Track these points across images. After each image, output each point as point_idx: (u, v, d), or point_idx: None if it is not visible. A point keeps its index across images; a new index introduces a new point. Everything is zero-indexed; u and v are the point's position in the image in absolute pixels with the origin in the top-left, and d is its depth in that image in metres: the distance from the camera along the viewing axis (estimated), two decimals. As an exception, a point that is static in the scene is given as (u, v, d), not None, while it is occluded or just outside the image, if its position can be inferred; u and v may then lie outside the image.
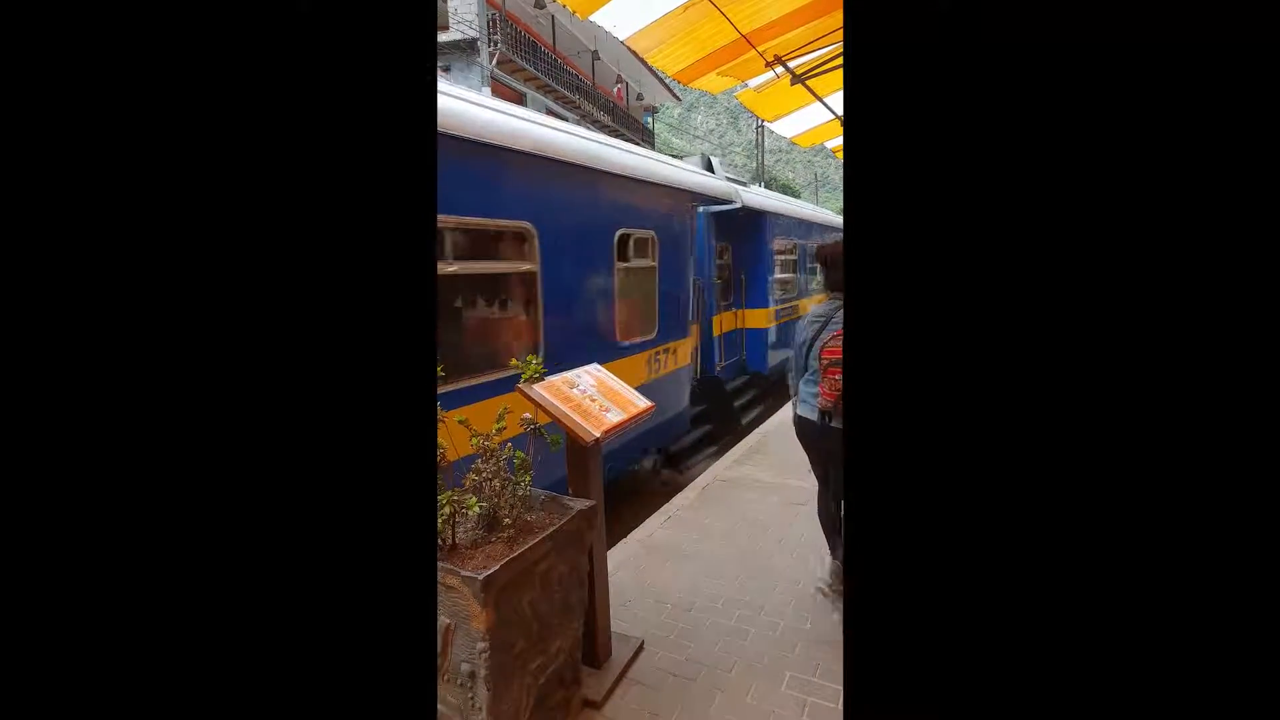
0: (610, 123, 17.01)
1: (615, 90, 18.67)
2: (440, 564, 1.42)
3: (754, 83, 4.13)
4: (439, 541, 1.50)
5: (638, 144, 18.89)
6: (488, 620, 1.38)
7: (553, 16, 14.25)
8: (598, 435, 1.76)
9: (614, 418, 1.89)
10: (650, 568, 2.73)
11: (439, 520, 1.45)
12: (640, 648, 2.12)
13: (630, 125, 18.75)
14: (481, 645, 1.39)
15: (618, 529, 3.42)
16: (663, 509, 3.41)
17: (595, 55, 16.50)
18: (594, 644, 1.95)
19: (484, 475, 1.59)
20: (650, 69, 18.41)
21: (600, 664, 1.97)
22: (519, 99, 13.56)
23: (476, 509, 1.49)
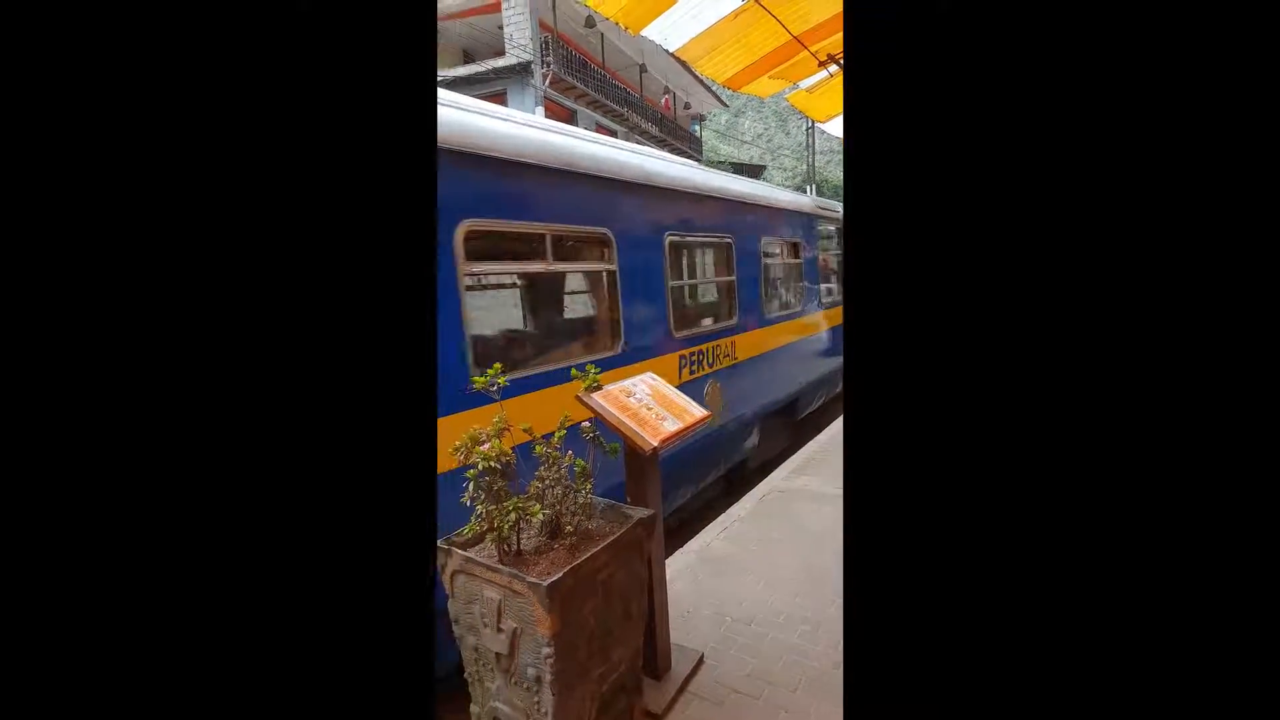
0: (658, 133, 17.15)
1: (663, 101, 18.84)
2: (506, 570, 1.46)
3: (805, 84, 4.08)
4: (504, 548, 1.54)
5: (694, 157, 18.94)
6: (553, 626, 1.40)
7: (602, 35, 14.57)
8: (655, 444, 1.76)
9: (671, 426, 1.89)
10: (708, 579, 2.70)
11: (505, 526, 1.49)
12: (700, 661, 2.09)
13: (678, 134, 18.84)
14: (546, 650, 1.41)
15: (674, 539, 3.40)
16: (719, 519, 3.37)
17: (643, 69, 16.73)
18: (654, 655, 1.94)
19: (546, 482, 1.63)
20: (698, 77, 18.47)
21: (661, 675, 1.96)
22: (570, 116, 13.91)
23: (540, 516, 1.52)
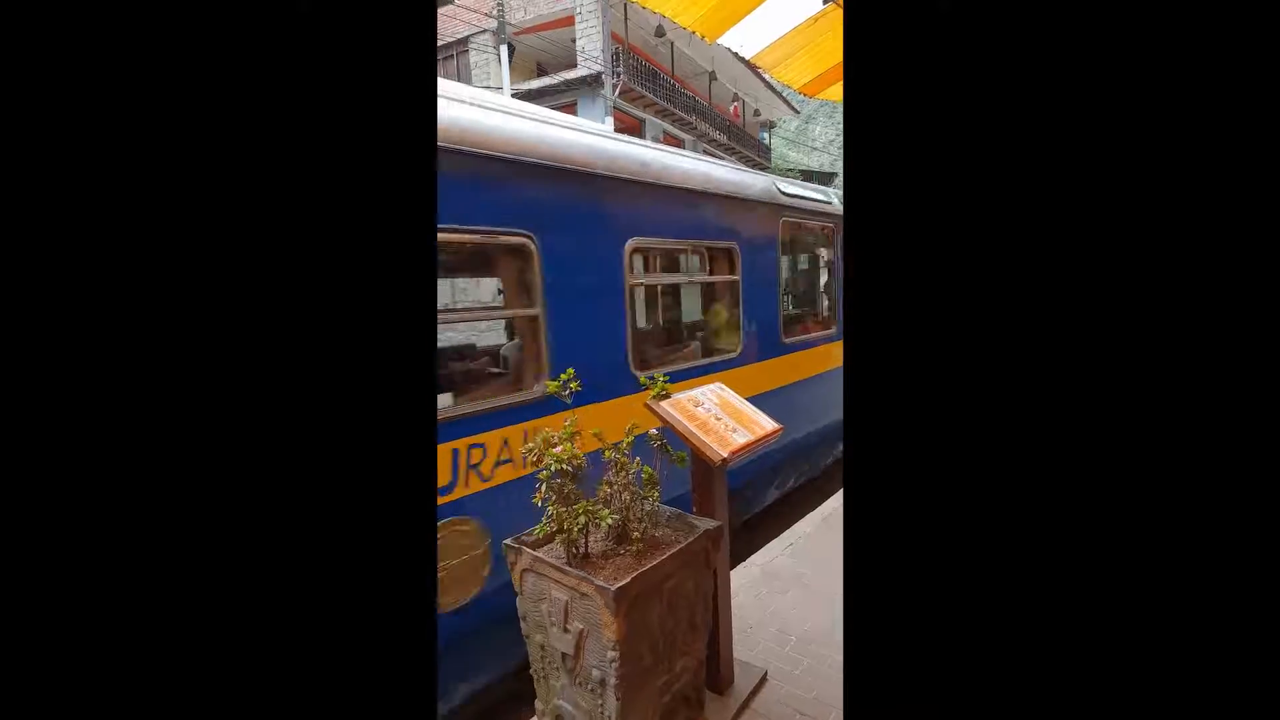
0: (726, 140, 17.06)
1: (732, 108, 18.73)
2: (574, 571, 1.48)
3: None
4: (573, 549, 1.57)
5: (762, 165, 18.69)
6: (619, 631, 1.41)
7: (672, 43, 14.69)
8: (725, 456, 1.74)
9: (741, 439, 1.86)
10: (771, 596, 2.63)
11: (574, 529, 1.52)
12: (764, 679, 2.04)
13: (746, 142, 18.66)
14: (612, 654, 1.42)
15: (736, 552, 3.34)
16: (784, 535, 3.29)
17: (712, 76, 16.71)
18: (717, 668, 1.92)
19: (615, 488, 1.65)
20: (769, 83, 18.23)
21: (723, 690, 1.93)
22: (638, 125, 14.10)
23: (610, 521, 1.54)
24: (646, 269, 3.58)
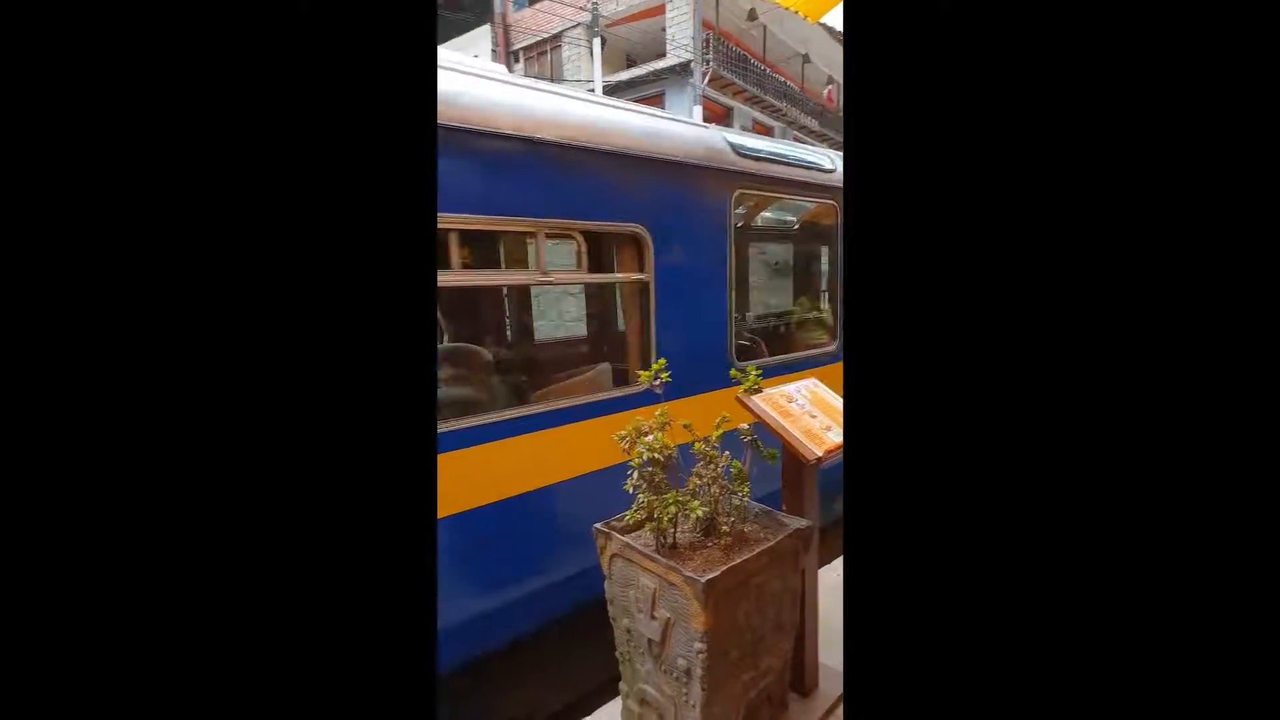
0: (818, 128, 16.35)
1: (825, 92, 17.90)
2: (663, 560, 1.50)
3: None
4: (661, 539, 1.59)
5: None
6: (707, 622, 1.41)
7: (764, 26, 14.25)
8: (820, 454, 1.69)
9: (835, 438, 1.80)
10: (859, 601, 2.53)
11: (664, 518, 1.54)
12: (850, 686, 1.97)
13: (839, 128, 17.77)
14: (699, 646, 1.43)
15: (823, 553, 3.23)
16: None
17: (805, 59, 16.05)
18: (802, 670, 1.87)
19: (705, 480, 1.64)
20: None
21: (807, 693, 1.88)
22: (725, 113, 13.84)
23: (700, 512, 1.54)
24: (464, 261, 2.69)
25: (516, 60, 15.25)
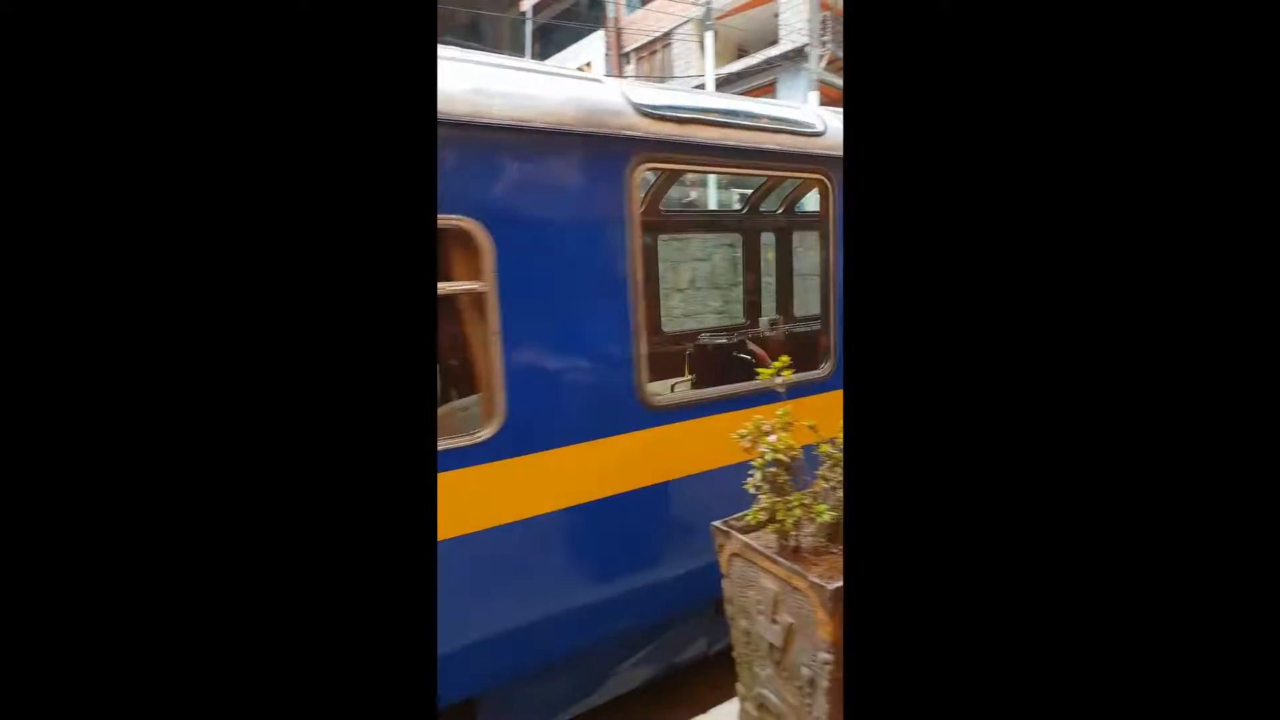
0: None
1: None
2: (786, 563, 1.46)
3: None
4: (784, 541, 1.54)
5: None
6: (833, 632, 1.35)
7: (888, 0, 13.26)
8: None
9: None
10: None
11: (788, 520, 1.49)
12: None
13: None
14: (825, 656, 1.37)
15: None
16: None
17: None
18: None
19: (830, 483, 1.57)
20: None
21: None
22: (841, 98, 13.05)
23: (827, 516, 1.48)
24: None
25: (628, 61, 15.57)
